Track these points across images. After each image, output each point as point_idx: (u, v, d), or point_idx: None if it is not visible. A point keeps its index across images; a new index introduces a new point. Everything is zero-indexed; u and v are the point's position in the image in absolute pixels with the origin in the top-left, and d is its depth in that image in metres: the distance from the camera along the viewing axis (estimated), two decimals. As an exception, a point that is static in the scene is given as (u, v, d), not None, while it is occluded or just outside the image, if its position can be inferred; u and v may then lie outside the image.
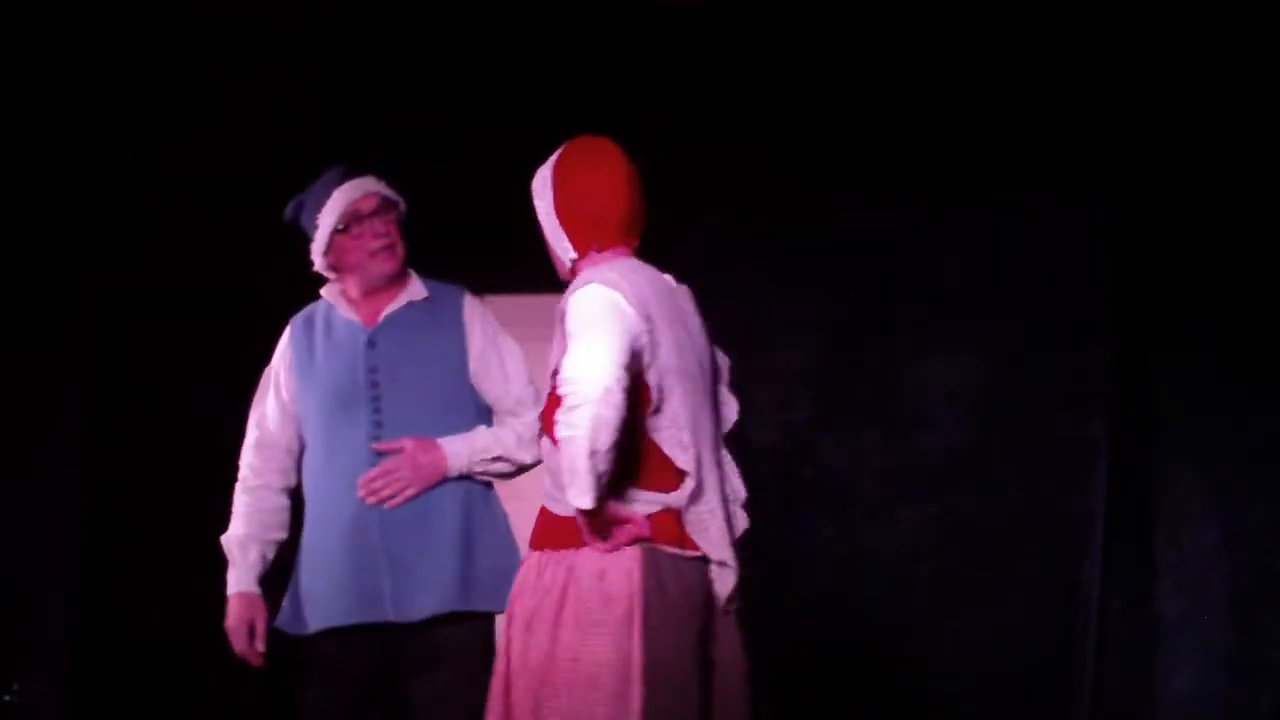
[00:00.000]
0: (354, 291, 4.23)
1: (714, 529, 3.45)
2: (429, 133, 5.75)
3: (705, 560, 3.47)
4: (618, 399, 3.22)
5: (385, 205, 4.19)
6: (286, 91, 5.74)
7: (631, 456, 3.38)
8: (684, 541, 3.43)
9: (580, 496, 3.29)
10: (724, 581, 3.49)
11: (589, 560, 3.39)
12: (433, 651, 4.06)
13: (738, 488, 3.61)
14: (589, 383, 3.22)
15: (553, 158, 3.63)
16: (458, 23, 5.73)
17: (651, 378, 3.39)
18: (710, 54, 5.73)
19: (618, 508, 3.38)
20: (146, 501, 5.67)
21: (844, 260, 5.80)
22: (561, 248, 3.57)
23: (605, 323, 3.32)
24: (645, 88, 5.74)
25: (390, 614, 4.10)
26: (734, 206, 5.80)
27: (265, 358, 5.58)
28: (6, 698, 5.32)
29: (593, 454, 3.23)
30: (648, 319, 3.38)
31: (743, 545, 5.61)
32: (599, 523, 3.36)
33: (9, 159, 5.64)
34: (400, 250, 4.19)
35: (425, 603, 4.08)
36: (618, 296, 3.37)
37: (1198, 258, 5.54)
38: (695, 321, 3.59)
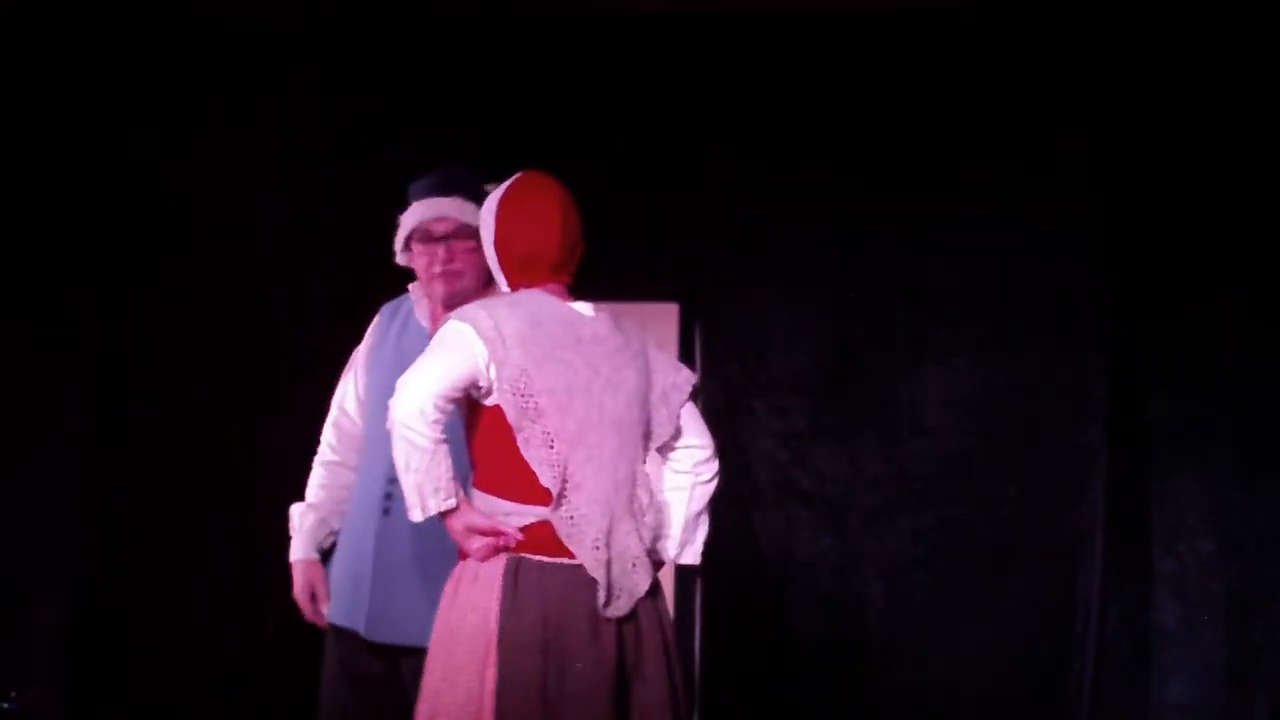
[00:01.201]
0: (430, 297, 4.23)
1: (589, 538, 3.66)
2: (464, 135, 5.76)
3: (581, 567, 3.68)
4: (419, 425, 3.56)
5: (459, 231, 4.14)
6: (289, 88, 5.73)
7: (505, 470, 3.67)
8: (559, 550, 3.66)
9: (412, 512, 3.64)
10: (598, 592, 3.67)
11: (468, 569, 3.70)
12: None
13: (644, 508, 3.77)
14: (399, 407, 3.59)
15: (498, 191, 3.82)
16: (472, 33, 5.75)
17: (505, 400, 3.64)
18: (708, 59, 5.72)
19: (487, 520, 3.66)
20: (147, 504, 5.67)
21: (840, 267, 5.80)
22: (499, 281, 3.85)
23: (436, 355, 3.66)
24: (644, 92, 5.74)
25: (363, 630, 4.11)
26: (731, 214, 5.80)
27: (266, 358, 5.61)
28: (4, 705, 5.31)
29: (406, 472, 3.60)
30: (504, 349, 3.64)
31: (741, 550, 5.74)
32: (462, 534, 3.66)
33: (11, 155, 5.63)
34: (467, 279, 4.14)
35: (396, 630, 4.07)
36: (466, 329, 3.66)
37: (1196, 265, 5.55)
38: (607, 347, 3.77)
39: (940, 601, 5.67)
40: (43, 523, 5.64)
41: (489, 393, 3.67)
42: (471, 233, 4.11)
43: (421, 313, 4.26)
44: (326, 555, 4.28)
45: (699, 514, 3.90)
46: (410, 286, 4.30)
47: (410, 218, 4.17)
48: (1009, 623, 5.62)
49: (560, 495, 3.66)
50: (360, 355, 4.33)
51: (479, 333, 3.65)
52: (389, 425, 3.61)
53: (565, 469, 3.67)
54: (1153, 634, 5.53)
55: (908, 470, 5.73)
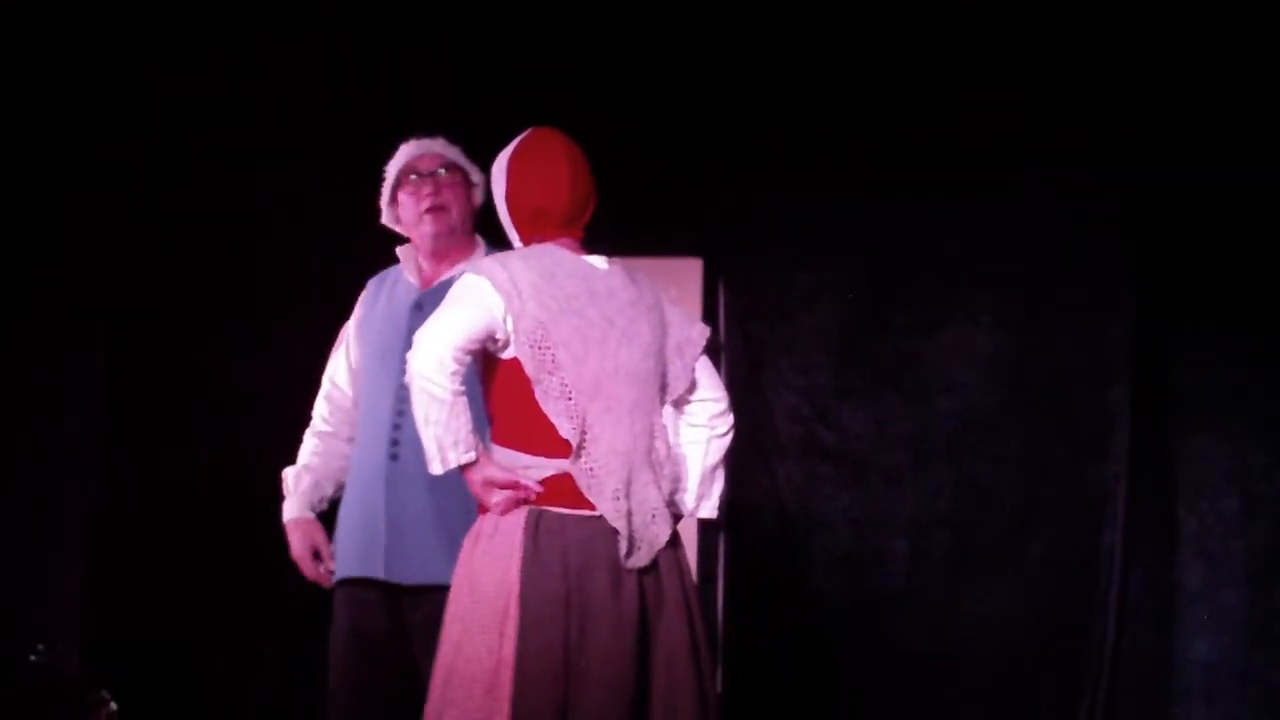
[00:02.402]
0: (420, 253, 4.31)
1: (609, 489, 3.67)
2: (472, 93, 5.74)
3: (602, 519, 3.70)
4: (440, 378, 3.58)
5: (448, 168, 4.28)
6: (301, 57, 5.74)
7: (524, 424, 3.69)
8: (579, 502, 3.67)
9: (431, 465, 3.65)
10: (619, 542, 3.68)
11: (488, 522, 3.70)
12: (436, 620, 4.06)
13: (662, 459, 3.79)
14: (417, 359, 3.60)
15: (509, 148, 3.85)
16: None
17: (523, 353, 3.66)
18: (736, 17, 5.71)
19: (506, 474, 3.67)
20: (165, 465, 5.69)
21: (866, 227, 5.79)
22: (512, 236, 3.86)
23: (453, 307, 3.66)
24: (671, 48, 5.72)
25: (382, 573, 4.15)
26: (757, 175, 5.79)
27: (278, 323, 5.62)
28: (31, 658, 5.35)
29: (426, 424, 3.61)
30: (519, 301, 3.65)
31: (765, 506, 5.75)
32: (481, 487, 3.67)
33: (30, 106, 5.64)
34: (453, 214, 4.27)
35: (417, 569, 4.12)
36: (482, 281, 3.67)
37: (1219, 223, 5.53)
38: (622, 299, 3.78)
39: (962, 559, 5.67)
40: (62, 482, 5.66)
41: (505, 345, 3.68)
42: (457, 170, 4.28)
43: (410, 271, 4.32)
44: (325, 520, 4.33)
45: (715, 467, 3.91)
46: (398, 250, 4.35)
47: (396, 161, 4.28)
48: (1031, 581, 5.62)
49: (579, 447, 3.68)
50: (350, 327, 4.40)
51: (495, 285, 3.66)
52: (407, 378, 3.63)
53: (584, 420, 3.68)
54: (1175, 593, 5.53)
55: (930, 428, 5.73)
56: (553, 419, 3.67)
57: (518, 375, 3.68)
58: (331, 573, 4.30)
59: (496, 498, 3.68)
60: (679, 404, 3.88)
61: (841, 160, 5.76)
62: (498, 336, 3.67)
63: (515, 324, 3.66)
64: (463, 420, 3.62)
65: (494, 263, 3.72)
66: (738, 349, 5.82)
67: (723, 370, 5.67)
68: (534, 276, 3.69)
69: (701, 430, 3.89)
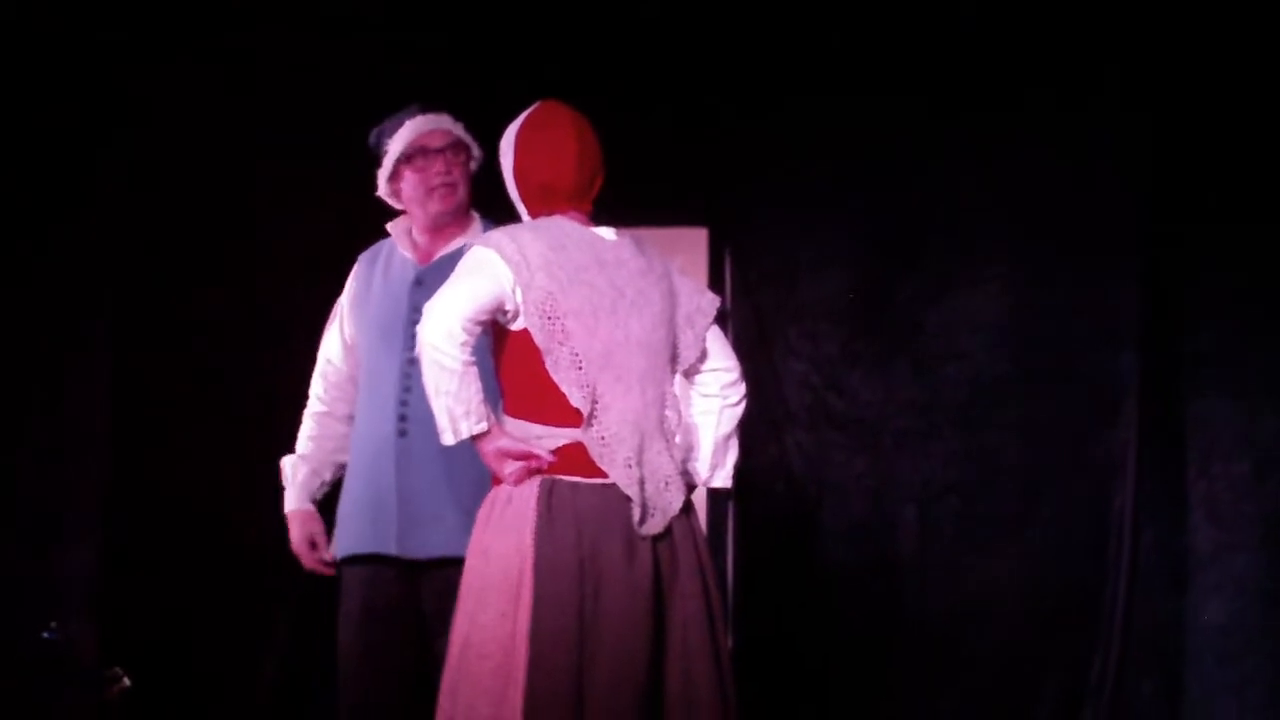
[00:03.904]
0: (417, 229, 4.31)
1: (620, 457, 3.69)
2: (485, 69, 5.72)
3: (614, 486, 3.71)
4: (451, 349, 3.59)
5: (455, 146, 4.27)
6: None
7: (535, 394, 3.71)
8: (591, 470, 3.69)
9: (443, 435, 3.67)
10: (632, 509, 3.70)
11: (502, 492, 3.73)
12: (449, 594, 4.05)
13: (674, 428, 3.81)
14: (427, 330, 3.62)
15: (517, 121, 3.86)
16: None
17: (532, 324, 3.68)
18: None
19: (519, 444, 3.68)
20: (177, 440, 5.70)
21: (873, 194, 5.77)
22: (519, 209, 3.87)
23: (463, 279, 3.67)
24: (676, 14, 5.69)
25: (394, 548, 4.16)
26: (762, 144, 5.77)
27: (292, 306, 5.61)
28: (45, 635, 5.36)
29: (437, 395, 3.62)
30: (528, 273, 3.67)
31: (774, 474, 5.75)
32: (493, 457, 3.69)
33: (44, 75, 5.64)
34: (460, 192, 4.27)
35: (430, 542, 4.14)
36: (491, 254, 3.69)
37: (1229, 187, 5.50)
38: (631, 269, 3.80)
39: (973, 525, 5.67)
40: (75, 460, 5.66)
41: (515, 317, 3.70)
42: (464, 147, 4.27)
43: (405, 245, 4.32)
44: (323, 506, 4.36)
45: (728, 436, 3.92)
46: (389, 225, 4.36)
47: (402, 137, 4.25)
48: (1042, 547, 5.61)
49: (591, 416, 3.69)
50: (343, 304, 4.40)
51: (504, 257, 3.68)
52: (417, 350, 3.65)
53: (594, 390, 3.70)
54: (1186, 556, 5.51)
55: (940, 395, 5.72)
56: (563, 389, 3.69)
57: (528, 346, 3.70)
58: (327, 562, 4.33)
59: (510, 468, 3.69)
60: (690, 374, 3.90)
61: (847, 127, 5.74)
62: (507, 308, 3.69)
63: (525, 295, 3.67)
64: (474, 390, 3.64)
65: (503, 235, 3.73)
66: (745, 318, 5.82)
67: (730, 339, 5.66)
68: (543, 247, 3.70)
69: (714, 400, 3.91)
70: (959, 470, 5.70)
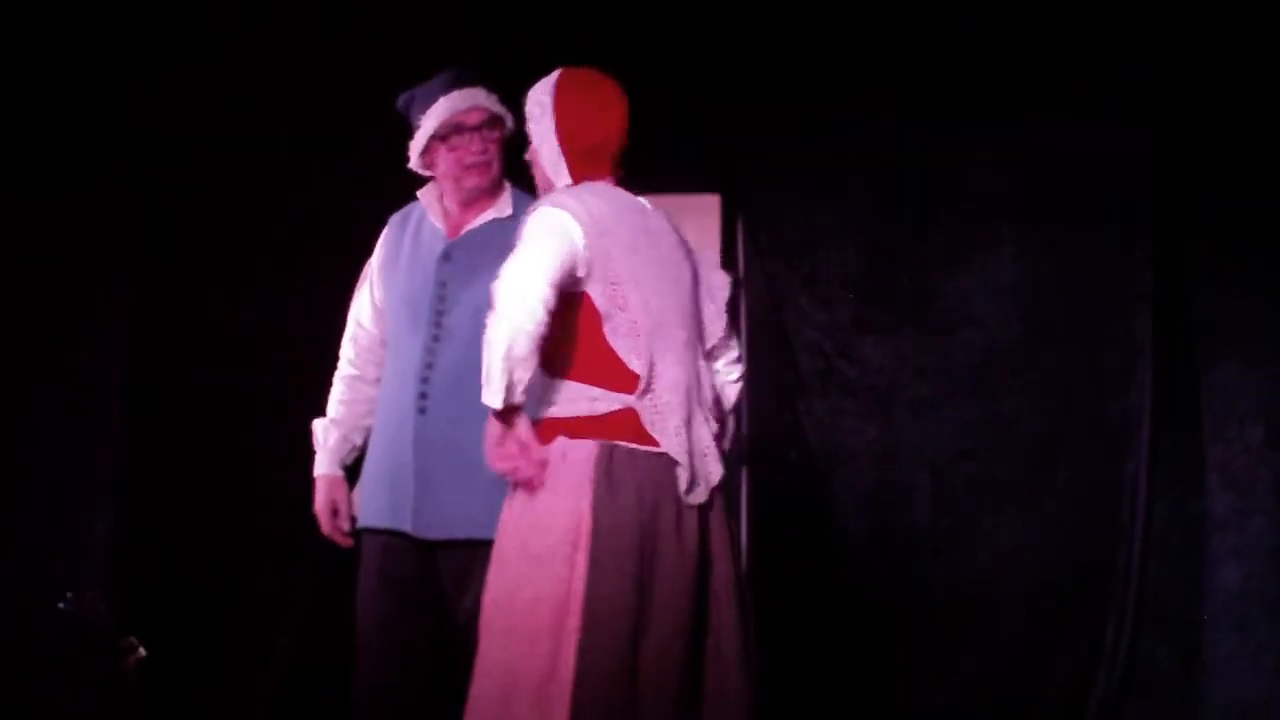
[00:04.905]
0: (448, 198, 4.26)
1: (671, 425, 3.70)
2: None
3: (665, 455, 3.72)
4: (536, 311, 3.53)
5: (490, 121, 4.20)
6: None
7: (591, 359, 3.70)
8: (643, 438, 3.70)
9: (491, 396, 3.57)
10: (681, 477, 3.72)
11: (554, 452, 3.68)
12: (468, 569, 4.05)
13: (710, 400, 3.83)
14: (511, 294, 3.54)
15: (550, 84, 3.83)
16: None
17: (595, 289, 3.68)
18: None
19: (532, 438, 3.64)
20: (192, 413, 5.70)
21: (886, 161, 5.76)
22: (557, 174, 3.82)
23: (542, 240, 3.62)
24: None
25: (410, 527, 4.15)
26: (775, 111, 5.75)
27: (305, 274, 5.61)
28: (60, 606, 5.38)
29: (507, 358, 3.53)
30: (597, 236, 3.66)
31: (787, 441, 5.75)
32: (502, 435, 3.62)
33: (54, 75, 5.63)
34: (495, 169, 4.22)
35: (446, 525, 4.12)
36: (564, 215, 3.66)
37: (1239, 152, 5.48)
38: (670, 240, 3.83)
39: (986, 492, 5.66)
40: (90, 430, 5.67)
41: (581, 280, 3.68)
42: (500, 122, 4.19)
43: (435, 214, 4.28)
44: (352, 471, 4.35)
45: (731, 412, 3.96)
46: (420, 192, 4.31)
47: (438, 112, 4.17)
48: (1056, 513, 5.61)
49: (648, 382, 3.70)
50: (373, 267, 4.36)
51: (575, 218, 3.66)
52: (495, 312, 3.57)
53: (650, 356, 3.71)
54: (1201, 521, 5.51)
55: (953, 361, 5.71)
56: (622, 355, 3.70)
57: (587, 310, 3.70)
58: (344, 531, 4.31)
59: (508, 462, 3.65)
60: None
61: (860, 94, 5.72)
62: (578, 271, 3.67)
63: (592, 257, 3.67)
64: (534, 363, 3.60)
65: (568, 196, 3.72)
66: (758, 286, 5.81)
67: (743, 307, 5.68)
68: (607, 211, 3.71)
69: (718, 376, 3.93)
70: (972, 437, 5.70)
